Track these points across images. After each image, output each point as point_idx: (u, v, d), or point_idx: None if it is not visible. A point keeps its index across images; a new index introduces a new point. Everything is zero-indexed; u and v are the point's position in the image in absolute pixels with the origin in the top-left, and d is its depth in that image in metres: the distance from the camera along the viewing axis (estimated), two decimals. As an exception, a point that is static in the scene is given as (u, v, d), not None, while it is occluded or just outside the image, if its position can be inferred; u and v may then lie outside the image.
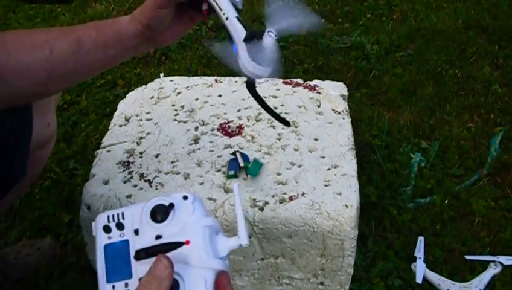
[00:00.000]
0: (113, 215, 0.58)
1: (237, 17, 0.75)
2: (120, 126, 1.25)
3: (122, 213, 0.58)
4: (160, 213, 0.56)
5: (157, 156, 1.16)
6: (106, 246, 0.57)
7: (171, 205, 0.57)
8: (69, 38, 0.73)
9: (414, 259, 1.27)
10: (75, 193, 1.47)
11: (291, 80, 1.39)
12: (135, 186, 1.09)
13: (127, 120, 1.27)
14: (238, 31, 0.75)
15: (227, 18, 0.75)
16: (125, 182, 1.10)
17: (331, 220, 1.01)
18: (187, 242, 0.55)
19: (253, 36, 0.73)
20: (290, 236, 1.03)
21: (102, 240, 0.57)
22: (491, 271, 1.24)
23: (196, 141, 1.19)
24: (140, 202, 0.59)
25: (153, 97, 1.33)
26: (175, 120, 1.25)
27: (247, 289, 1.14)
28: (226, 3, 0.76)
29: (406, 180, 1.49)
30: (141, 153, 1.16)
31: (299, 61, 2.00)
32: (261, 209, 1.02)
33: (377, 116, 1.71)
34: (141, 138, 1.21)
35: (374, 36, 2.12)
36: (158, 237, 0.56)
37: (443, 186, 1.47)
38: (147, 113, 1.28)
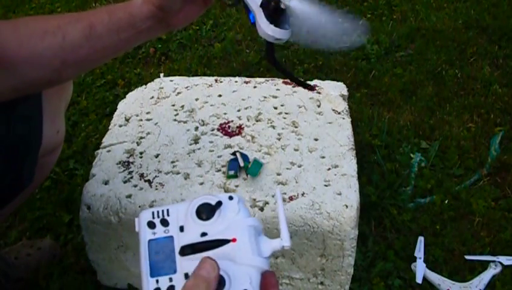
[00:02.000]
0: (157, 212, 0.58)
1: None
2: (120, 126, 1.25)
3: (167, 210, 0.58)
4: (205, 211, 0.57)
5: (157, 156, 1.16)
6: (150, 241, 0.57)
7: (219, 203, 0.57)
8: (82, 23, 0.72)
9: (414, 259, 1.27)
10: (75, 193, 1.47)
11: (291, 80, 1.39)
12: (135, 186, 1.09)
13: (127, 120, 1.27)
14: None
15: None
16: (125, 182, 1.10)
17: (331, 220, 1.01)
18: (234, 240, 0.56)
19: (270, 1, 0.73)
20: (290, 236, 1.03)
21: (146, 235, 0.58)
22: (491, 271, 1.24)
23: (196, 141, 1.19)
24: (185, 201, 0.59)
25: (153, 97, 1.33)
26: (175, 120, 1.25)
27: (247, 289, 1.14)
28: None
29: (406, 180, 1.49)
30: (141, 153, 1.16)
31: (299, 61, 2.00)
32: (261, 209, 1.02)
33: (377, 116, 1.71)
34: (141, 138, 1.21)
35: (374, 36, 2.12)
36: (203, 234, 0.56)
37: (443, 186, 1.47)
38: (147, 113, 1.28)
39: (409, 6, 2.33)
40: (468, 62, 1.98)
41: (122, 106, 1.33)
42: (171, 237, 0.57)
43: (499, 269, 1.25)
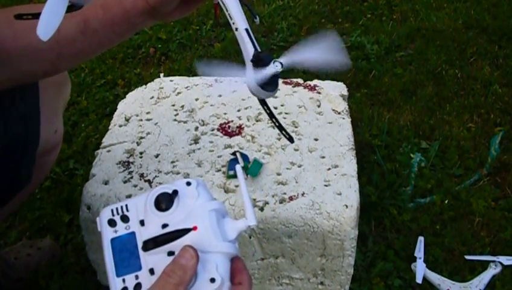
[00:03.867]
0: (117, 209, 0.57)
1: (247, 30, 0.73)
2: (120, 126, 1.25)
3: (126, 205, 0.57)
4: (164, 201, 0.56)
5: (157, 156, 1.16)
6: (113, 240, 0.56)
7: (175, 192, 0.56)
8: (76, 17, 0.71)
9: (414, 259, 1.27)
10: (75, 193, 1.47)
11: (291, 80, 1.39)
12: (135, 186, 1.09)
13: (127, 120, 1.27)
14: (247, 47, 0.73)
15: (236, 29, 0.73)
16: (125, 182, 1.10)
17: (331, 220, 1.01)
18: (194, 228, 0.54)
19: (260, 60, 0.71)
20: (290, 236, 1.03)
21: (108, 234, 0.57)
22: (491, 271, 1.24)
23: (196, 141, 1.19)
24: (143, 194, 0.58)
25: (153, 97, 1.33)
26: (175, 120, 1.25)
27: (247, 289, 1.14)
28: (237, 12, 0.73)
29: (406, 180, 1.49)
30: (141, 153, 1.16)
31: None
32: (261, 209, 1.02)
33: (377, 116, 1.71)
34: (141, 138, 1.21)
35: (374, 36, 2.12)
36: (165, 225, 0.55)
37: (443, 186, 1.47)
38: (147, 113, 1.28)
39: (409, 6, 2.33)
40: (468, 62, 1.98)
41: (122, 106, 1.33)
42: (133, 232, 0.56)
43: (499, 269, 1.25)
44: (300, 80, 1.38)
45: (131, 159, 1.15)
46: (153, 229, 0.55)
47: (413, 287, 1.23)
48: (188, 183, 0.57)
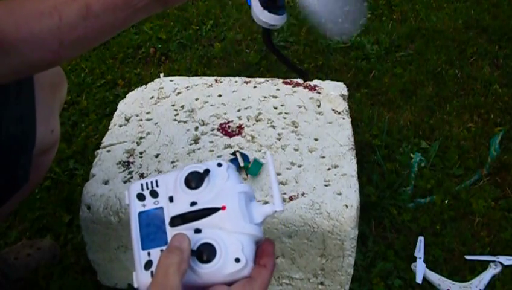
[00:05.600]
0: (146, 183, 0.57)
1: None
2: (120, 126, 1.25)
3: (156, 181, 0.58)
4: (194, 180, 0.56)
5: (157, 156, 1.16)
6: (140, 214, 0.56)
7: (207, 171, 0.56)
8: (77, 3, 0.70)
9: (414, 259, 1.27)
10: (75, 193, 1.47)
11: (291, 80, 1.39)
12: (135, 186, 1.08)
13: (127, 120, 1.27)
14: None
15: None
16: (125, 182, 1.10)
17: (331, 220, 1.01)
18: (223, 207, 0.55)
19: None
20: (290, 236, 1.03)
21: (136, 207, 0.57)
22: (491, 271, 1.24)
23: (196, 141, 1.19)
24: (173, 171, 0.58)
25: (153, 97, 1.33)
26: (175, 120, 1.25)
27: (247, 289, 1.14)
28: None
29: (406, 180, 1.49)
30: (141, 153, 1.16)
31: (299, 61, 2.00)
32: (261, 209, 1.02)
33: (377, 116, 1.71)
34: (141, 138, 1.21)
35: (374, 36, 2.12)
36: (193, 203, 0.55)
37: (443, 186, 1.47)
38: (147, 113, 1.28)
39: (409, 6, 2.33)
40: (468, 62, 1.98)
41: (122, 106, 1.33)
42: (161, 208, 0.56)
43: (499, 269, 1.25)
44: (300, 80, 1.38)
45: (131, 159, 1.15)
46: (181, 206, 0.55)
47: (413, 287, 1.23)
48: (219, 165, 0.57)
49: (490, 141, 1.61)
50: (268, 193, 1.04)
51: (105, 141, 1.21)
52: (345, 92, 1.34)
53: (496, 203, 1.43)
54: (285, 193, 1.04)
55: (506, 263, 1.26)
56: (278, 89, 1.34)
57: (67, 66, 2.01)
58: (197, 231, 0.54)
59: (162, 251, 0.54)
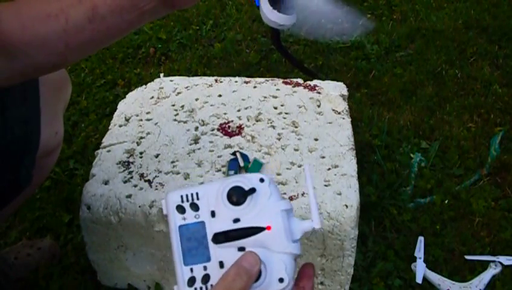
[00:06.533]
0: (187, 195, 0.56)
1: None
2: (120, 126, 1.25)
3: (197, 193, 0.56)
4: (238, 196, 0.54)
5: (157, 156, 1.16)
6: (181, 227, 0.55)
7: (252, 190, 0.55)
8: (84, 5, 0.70)
9: (414, 259, 1.27)
10: (75, 193, 1.47)
11: (291, 80, 1.39)
12: (135, 186, 1.09)
13: (127, 120, 1.27)
14: None
15: None
16: (125, 182, 1.10)
17: (331, 220, 1.01)
18: (268, 227, 0.54)
19: None
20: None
21: (176, 220, 0.55)
22: (491, 271, 1.24)
23: (196, 141, 1.19)
24: (214, 182, 0.56)
25: (153, 97, 1.33)
26: (175, 120, 1.25)
27: (247, 289, 1.14)
28: None
29: (406, 180, 1.49)
30: (141, 153, 1.16)
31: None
32: (261, 209, 1.02)
33: (377, 116, 1.71)
34: (141, 138, 1.21)
35: (374, 36, 2.12)
36: (236, 220, 0.54)
37: (443, 186, 1.47)
38: (147, 113, 1.28)
39: (409, 6, 2.33)
40: (468, 62, 1.98)
41: (122, 106, 1.33)
42: (203, 222, 0.55)
43: (499, 269, 1.25)
44: (300, 80, 1.38)
45: (131, 159, 1.15)
46: (224, 223, 0.54)
47: (413, 287, 1.23)
48: (262, 180, 0.56)
49: (490, 141, 1.61)
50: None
51: (105, 141, 1.21)
52: (345, 92, 1.34)
53: (496, 203, 1.43)
54: (285, 193, 1.04)
55: (506, 263, 1.26)
56: (278, 89, 1.34)
57: (67, 66, 2.01)
58: (241, 249, 0.54)
59: (205, 267, 0.53)
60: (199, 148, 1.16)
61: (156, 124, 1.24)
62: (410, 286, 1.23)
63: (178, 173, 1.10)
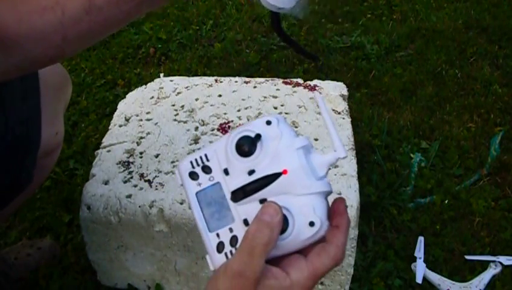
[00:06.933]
0: (196, 160, 0.53)
1: None
2: (120, 126, 1.25)
3: (206, 155, 0.53)
4: (247, 146, 0.51)
5: (157, 156, 1.15)
6: (198, 194, 0.52)
7: (258, 136, 0.51)
8: None
9: (414, 259, 1.27)
10: (75, 193, 1.47)
11: (291, 80, 1.39)
12: (135, 186, 1.09)
13: (127, 120, 1.27)
14: None
15: None
16: (125, 182, 1.10)
17: (331, 220, 1.01)
18: (284, 171, 0.50)
19: None
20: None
21: (191, 188, 0.52)
22: (491, 271, 1.24)
23: (196, 141, 1.19)
24: (220, 139, 0.53)
25: (153, 97, 1.33)
26: (175, 120, 1.25)
27: (247, 289, 1.14)
28: None
29: (406, 180, 1.49)
30: (141, 153, 1.16)
31: (299, 61, 2.00)
32: (261, 209, 1.02)
33: (377, 116, 1.71)
34: (141, 138, 1.21)
35: (374, 36, 2.12)
36: (251, 172, 0.51)
37: (443, 186, 1.47)
38: (147, 113, 1.28)
39: (409, 6, 2.33)
40: (468, 62, 1.98)
41: (122, 106, 1.33)
42: (218, 183, 0.52)
43: (499, 269, 1.25)
44: (300, 80, 1.38)
45: (131, 159, 1.15)
46: (239, 178, 0.51)
47: (413, 287, 1.23)
48: (268, 122, 0.52)
49: (490, 141, 1.61)
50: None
51: (105, 141, 1.21)
52: (345, 92, 1.34)
53: (496, 203, 1.43)
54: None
55: (506, 263, 1.26)
56: (278, 89, 1.34)
57: (67, 66, 2.01)
58: (263, 201, 0.50)
59: (231, 229, 0.50)
60: (199, 148, 1.16)
61: (156, 124, 1.24)
62: (410, 286, 1.23)
63: (178, 173, 1.10)
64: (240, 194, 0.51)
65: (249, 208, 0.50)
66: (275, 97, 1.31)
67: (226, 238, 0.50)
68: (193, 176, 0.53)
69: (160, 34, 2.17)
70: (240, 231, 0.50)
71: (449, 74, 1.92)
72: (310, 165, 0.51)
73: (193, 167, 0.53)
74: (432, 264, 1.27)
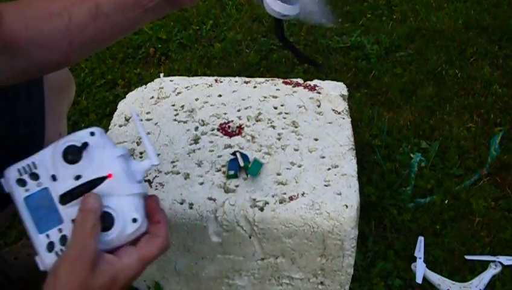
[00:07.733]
0: (23, 168, 0.59)
1: None
2: (120, 126, 1.25)
3: (33, 163, 0.59)
4: (73, 154, 0.57)
5: (157, 156, 1.15)
6: (26, 199, 0.57)
7: (85, 145, 0.58)
8: (87, 3, 0.70)
9: (414, 259, 1.27)
10: (75, 193, 1.47)
11: (291, 80, 1.39)
12: (135, 186, 1.08)
13: (127, 120, 1.27)
14: None
15: None
16: (125, 182, 1.10)
17: (331, 220, 1.01)
18: (109, 175, 0.57)
19: None
20: (290, 236, 1.03)
21: (20, 194, 0.58)
22: (491, 271, 1.24)
23: (196, 141, 1.19)
24: (47, 148, 0.59)
25: (153, 97, 1.34)
26: (175, 120, 1.25)
27: (247, 289, 1.14)
28: None
29: (406, 180, 1.49)
30: (141, 153, 1.16)
31: (299, 61, 2.00)
32: (261, 209, 1.02)
33: (377, 116, 1.71)
34: (141, 137, 1.21)
35: (374, 36, 2.12)
36: (78, 177, 0.57)
37: (443, 186, 1.47)
38: (147, 113, 1.28)
39: (409, 6, 2.33)
40: (468, 62, 1.98)
41: (122, 106, 1.33)
42: (46, 188, 0.57)
43: (499, 269, 1.25)
44: (300, 80, 1.38)
45: (131, 159, 1.15)
46: (66, 182, 0.57)
47: (413, 287, 1.23)
48: (92, 133, 0.59)
49: (490, 141, 1.61)
50: (268, 192, 1.04)
51: (105, 141, 1.21)
52: (345, 92, 1.34)
53: (496, 203, 1.43)
54: (285, 193, 1.04)
55: (506, 263, 1.26)
56: (278, 89, 1.34)
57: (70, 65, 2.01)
58: None
59: (60, 229, 0.56)
60: (199, 148, 1.16)
61: (156, 124, 1.24)
62: (410, 286, 1.23)
63: (178, 173, 1.10)
64: (68, 197, 0.57)
65: (77, 209, 0.56)
66: (275, 97, 1.31)
67: (55, 238, 0.56)
68: (21, 182, 0.58)
69: (160, 34, 2.17)
70: (69, 230, 0.56)
71: (449, 74, 1.92)
72: (130, 170, 0.60)
73: (21, 174, 0.59)
74: (432, 264, 1.27)
